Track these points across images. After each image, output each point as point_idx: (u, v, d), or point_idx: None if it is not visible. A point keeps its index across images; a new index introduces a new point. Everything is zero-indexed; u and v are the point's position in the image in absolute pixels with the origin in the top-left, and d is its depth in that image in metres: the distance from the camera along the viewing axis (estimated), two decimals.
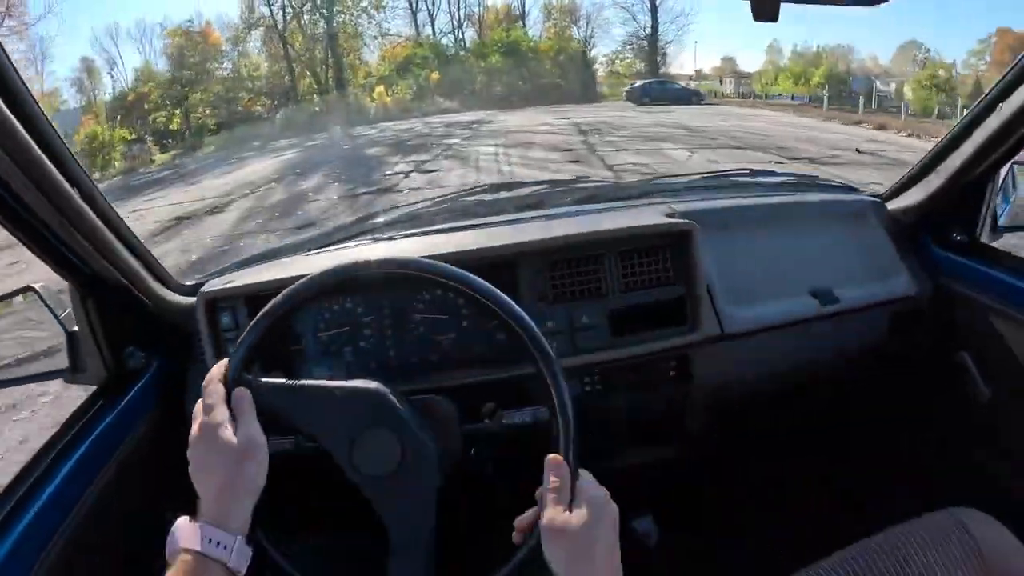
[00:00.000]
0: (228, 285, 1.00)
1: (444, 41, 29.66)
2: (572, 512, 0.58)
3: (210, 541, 0.56)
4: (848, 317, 1.14)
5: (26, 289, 1.06)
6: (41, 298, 1.04)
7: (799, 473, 1.32)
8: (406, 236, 1.07)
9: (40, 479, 0.87)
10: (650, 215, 1.05)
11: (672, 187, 1.22)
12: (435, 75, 27.46)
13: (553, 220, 1.09)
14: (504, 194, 1.17)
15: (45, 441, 0.97)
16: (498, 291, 0.71)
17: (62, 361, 1.06)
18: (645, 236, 0.99)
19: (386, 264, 0.71)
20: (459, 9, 29.18)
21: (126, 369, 1.04)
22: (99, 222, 0.88)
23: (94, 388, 1.06)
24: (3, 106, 0.66)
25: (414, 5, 29.31)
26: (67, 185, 0.80)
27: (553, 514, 0.58)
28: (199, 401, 0.65)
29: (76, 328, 1.02)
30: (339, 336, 1.00)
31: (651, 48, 30.98)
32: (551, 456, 0.63)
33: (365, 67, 28.66)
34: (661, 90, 24.27)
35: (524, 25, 30.43)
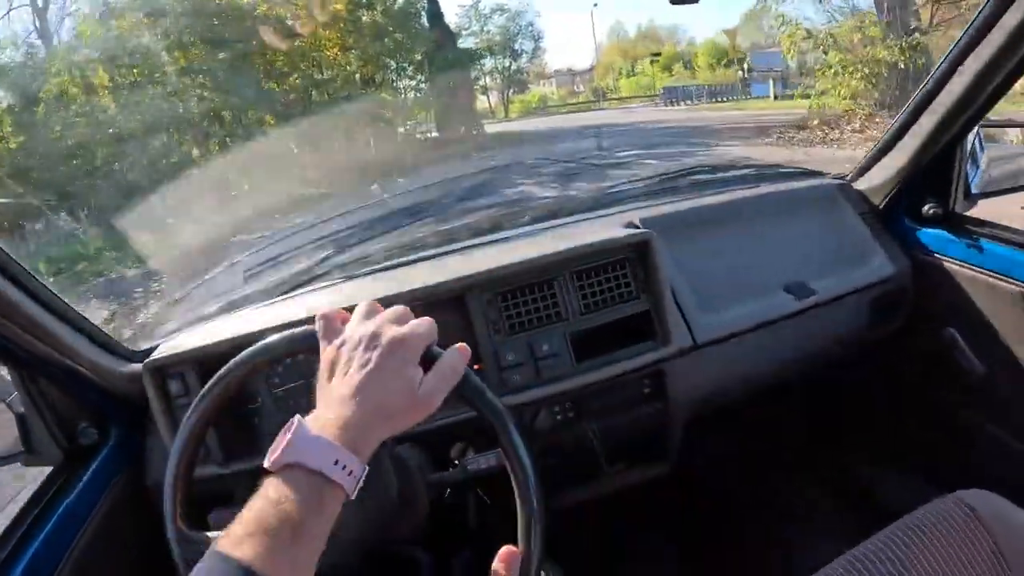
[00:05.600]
0: (175, 350, 0.97)
1: None
2: None
3: (338, 464, 0.48)
4: (827, 308, 1.10)
5: None
6: None
7: (799, 473, 1.28)
8: (355, 278, 1.03)
9: (4, 565, 0.84)
10: (606, 228, 1.01)
11: (630, 194, 1.18)
12: None
13: (505, 244, 1.04)
14: (456, 222, 1.13)
15: (3, 528, 0.94)
16: None
17: (18, 443, 1.03)
18: (599, 252, 0.95)
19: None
20: None
21: (81, 446, 1.01)
22: (30, 303, 0.85)
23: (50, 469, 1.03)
24: None
25: None
26: None
27: None
28: (386, 311, 0.57)
29: (22, 410, 0.99)
30: (295, 390, 0.96)
31: None
32: (505, 548, 0.58)
33: None
34: None
35: None
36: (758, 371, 1.08)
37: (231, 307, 1.08)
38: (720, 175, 1.24)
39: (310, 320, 0.89)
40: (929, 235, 1.17)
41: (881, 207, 1.19)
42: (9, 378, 1.01)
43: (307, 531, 0.46)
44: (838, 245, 1.16)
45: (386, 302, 0.88)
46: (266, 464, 0.49)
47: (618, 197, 1.16)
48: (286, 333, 0.63)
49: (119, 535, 1.00)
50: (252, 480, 1.00)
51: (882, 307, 1.16)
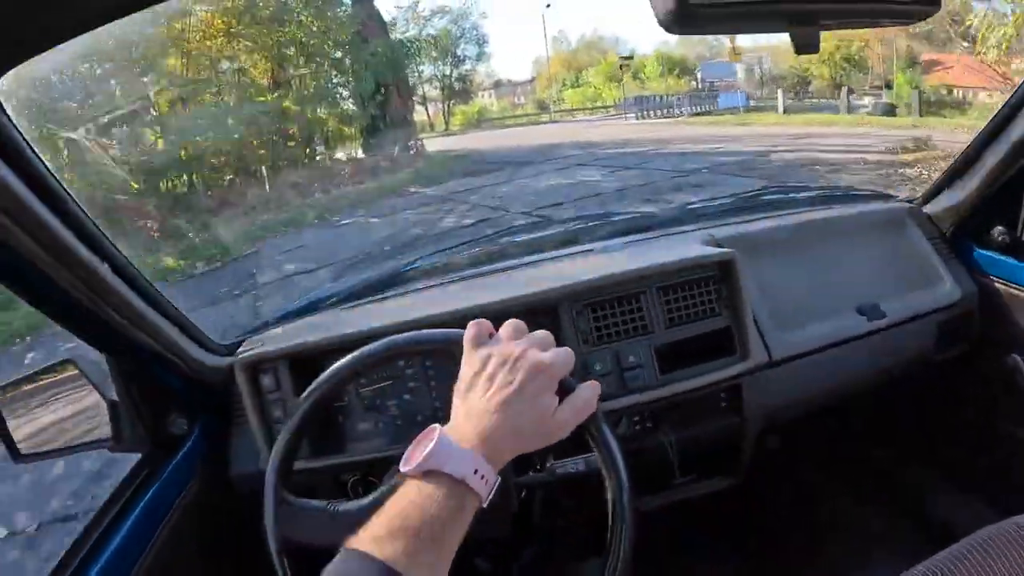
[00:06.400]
0: (267, 348, 0.99)
1: None
2: None
3: (477, 473, 0.50)
4: (896, 330, 1.11)
5: (65, 362, 1.06)
6: (80, 370, 1.03)
7: (859, 490, 1.29)
8: (442, 285, 1.05)
9: (91, 552, 0.87)
10: (688, 245, 1.04)
11: (706, 212, 1.20)
12: None
13: (590, 256, 1.07)
14: (538, 233, 1.15)
15: (93, 515, 0.97)
16: None
17: (105, 430, 1.06)
18: (686, 269, 0.97)
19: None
20: None
21: (169, 435, 1.04)
22: (131, 293, 0.88)
23: (138, 456, 1.06)
24: (19, 184, 0.64)
25: None
26: (94, 259, 0.79)
27: None
28: (532, 335, 0.59)
29: (116, 397, 1.02)
30: (382, 390, 0.99)
31: None
32: None
33: None
34: None
35: None
36: (828, 388, 1.10)
37: (315, 307, 1.11)
38: (792, 196, 1.26)
39: (407, 326, 0.92)
40: (996, 261, 1.18)
41: (949, 232, 1.21)
42: (105, 367, 1.04)
43: (447, 534, 0.48)
44: (907, 268, 1.17)
45: (483, 310, 0.91)
46: (404, 468, 0.51)
47: (694, 214, 1.18)
48: (437, 331, 0.66)
49: (202, 523, 1.02)
50: (334, 476, 1.03)
51: (948, 331, 1.17)
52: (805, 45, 0.51)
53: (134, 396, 0.99)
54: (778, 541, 1.27)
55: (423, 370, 0.97)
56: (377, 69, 10.78)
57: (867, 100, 18.33)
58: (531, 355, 0.55)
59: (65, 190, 0.73)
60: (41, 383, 1.14)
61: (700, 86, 22.33)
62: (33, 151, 0.67)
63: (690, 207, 1.21)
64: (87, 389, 1.06)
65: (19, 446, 1.06)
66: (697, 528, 1.20)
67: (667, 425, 1.00)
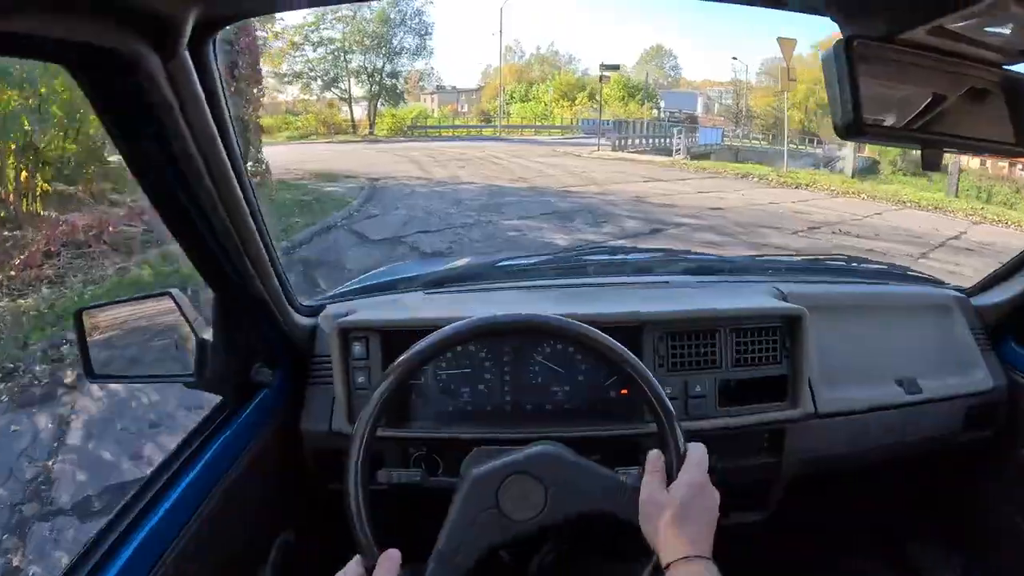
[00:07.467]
0: (361, 316, 1.06)
1: None
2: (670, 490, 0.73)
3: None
4: (929, 406, 1.20)
5: (164, 293, 1.12)
6: (178, 304, 1.09)
7: (870, 548, 1.37)
8: (528, 289, 1.12)
9: (169, 482, 0.92)
10: (760, 295, 1.12)
11: (774, 266, 1.28)
12: None
13: (669, 289, 1.15)
14: (620, 256, 1.23)
15: (175, 447, 1.03)
16: (633, 356, 0.81)
17: (187, 365, 1.12)
18: (760, 316, 1.05)
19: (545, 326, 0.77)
20: None
21: (250, 382, 1.10)
22: (261, 242, 0.94)
23: (217, 396, 1.12)
24: (214, 126, 0.70)
25: None
26: (245, 205, 0.85)
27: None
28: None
29: (207, 337, 1.08)
30: (458, 376, 1.05)
31: None
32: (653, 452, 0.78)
33: None
34: None
35: None
36: (860, 449, 1.18)
37: (394, 285, 1.17)
38: (854, 266, 1.35)
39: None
40: None
41: (992, 325, 1.29)
42: (199, 305, 1.10)
43: None
44: (947, 352, 1.26)
45: (580, 318, 0.98)
46: None
47: (762, 266, 1.27)
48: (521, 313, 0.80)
49: (272, 469, 1.08)
50: (402, 448, 1.09)
51: (975, 416, 1.25)
52: (931, 163, 0.62)
53: (231, 339, 1.05)
54: None
55: (499, 364, 1.04)
56: None
57: (845, 152, 16.50)
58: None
59: (235, 134, 0.79)
60: (134, 309, 1.20)
61: (661, 114, 20.13)
62: (224, 96, 0.73)
63: (759, 259, 1.29)
64: (179, 323, 1.12)
65: (95, 364, 1.12)
66: (724, 561, 1.27)
67: (713, 453, 1.08)
